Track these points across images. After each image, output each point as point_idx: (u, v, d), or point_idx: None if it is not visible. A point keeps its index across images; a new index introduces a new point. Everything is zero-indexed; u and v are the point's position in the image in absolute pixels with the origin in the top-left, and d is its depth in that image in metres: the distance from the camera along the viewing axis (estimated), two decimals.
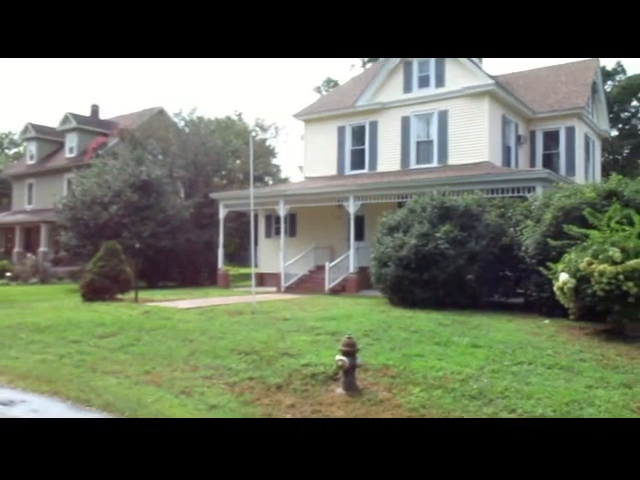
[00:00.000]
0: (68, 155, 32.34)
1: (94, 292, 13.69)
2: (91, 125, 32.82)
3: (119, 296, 14.08)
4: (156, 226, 20.86)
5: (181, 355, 7.86)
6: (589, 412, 5.21)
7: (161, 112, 31.62)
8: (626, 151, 37.58)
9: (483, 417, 5.24)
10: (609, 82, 36.49)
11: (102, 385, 6.71)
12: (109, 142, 29.55)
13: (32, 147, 35.10)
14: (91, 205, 20.89)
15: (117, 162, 23.12)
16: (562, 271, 8.59)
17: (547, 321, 9.61)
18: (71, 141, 32.38)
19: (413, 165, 18.59)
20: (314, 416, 5.45)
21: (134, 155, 23.59)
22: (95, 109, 34.83)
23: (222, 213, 19.68)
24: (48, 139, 34.81)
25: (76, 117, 32.58)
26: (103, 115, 35.52)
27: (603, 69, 30.95)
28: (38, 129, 35.01)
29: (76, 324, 10.21)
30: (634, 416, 5.14)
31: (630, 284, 7.70)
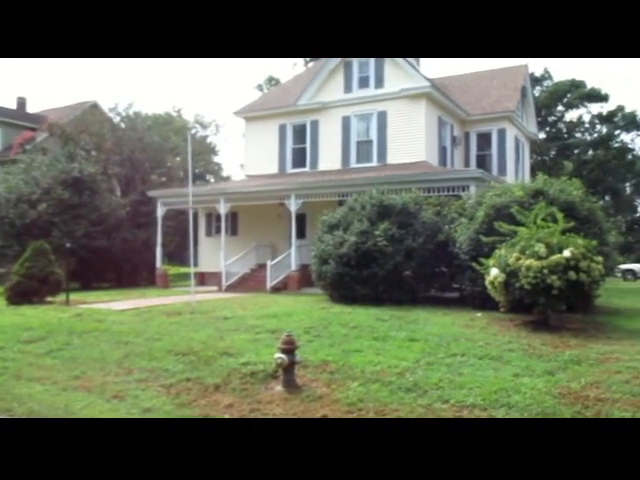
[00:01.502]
0: None
1: (21, 295, 12.97)
2: (17, 119, 31.08)
3: (49, 299, 13.41)
4: (90, 225, 20.03)
5: (114, 358, 7.58)
6: (515, 399, 5.42)
7: (95, 106, 30.40)
8: (552, 153, 39.77)
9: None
10: (537, 87, 38.40)
11: (26, 393, 6.33)
12: (37, 137, 28.08)
13: None
14: (17, 203, 19.71)
15: (46, 158, 21.97)
16: (493, 266, 8.97)
17: (480, 314, 9.99)
18: None
19: (353, 164, 18.84)
20: (252, 415, 5.41)
21: (65, 151, 22.48)
22: (22, 102, 33.05)
23: (160, 211, 19.19)
24: None
25: (0, 110, 30.76)
26: (31, 108, 33.76)
27: (532, 75, 32.51)
28: None
29: None
30: (555, 401, 5.41)
31: (554, 277, 8.16)
